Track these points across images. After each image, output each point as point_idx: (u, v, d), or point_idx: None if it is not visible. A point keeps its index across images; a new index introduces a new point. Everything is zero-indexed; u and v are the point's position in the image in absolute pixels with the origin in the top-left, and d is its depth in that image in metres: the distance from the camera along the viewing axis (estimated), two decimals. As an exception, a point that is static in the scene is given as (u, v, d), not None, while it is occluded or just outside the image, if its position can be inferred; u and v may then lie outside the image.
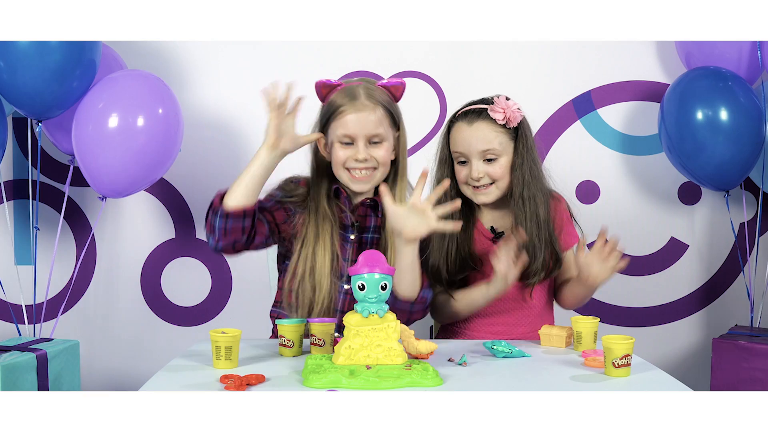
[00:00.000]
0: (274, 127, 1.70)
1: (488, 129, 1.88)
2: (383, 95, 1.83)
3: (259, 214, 1.78)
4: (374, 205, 1.87)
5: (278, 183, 1.90)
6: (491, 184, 1.90)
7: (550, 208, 1.94)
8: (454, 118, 1.94)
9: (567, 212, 2.01)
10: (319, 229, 1.82)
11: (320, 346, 1.62)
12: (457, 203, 1.78)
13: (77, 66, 2.33)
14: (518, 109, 1.90)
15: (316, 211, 1.84)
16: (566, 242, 1.97)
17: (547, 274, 1.94)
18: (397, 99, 1.86)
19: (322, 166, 1.87)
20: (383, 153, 1.81)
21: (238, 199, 1.71)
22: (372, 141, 1.80)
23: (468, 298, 1.91)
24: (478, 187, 1.90)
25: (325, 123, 1.83)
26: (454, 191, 1.95)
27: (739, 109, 2.45)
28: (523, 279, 1.92)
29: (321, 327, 1.63)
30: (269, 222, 1.82)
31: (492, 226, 1.98)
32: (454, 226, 1.73)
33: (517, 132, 1.91)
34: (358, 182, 1.82)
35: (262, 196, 1.84)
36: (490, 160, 1.89)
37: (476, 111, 1.91)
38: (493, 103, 1.90)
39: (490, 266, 1.91)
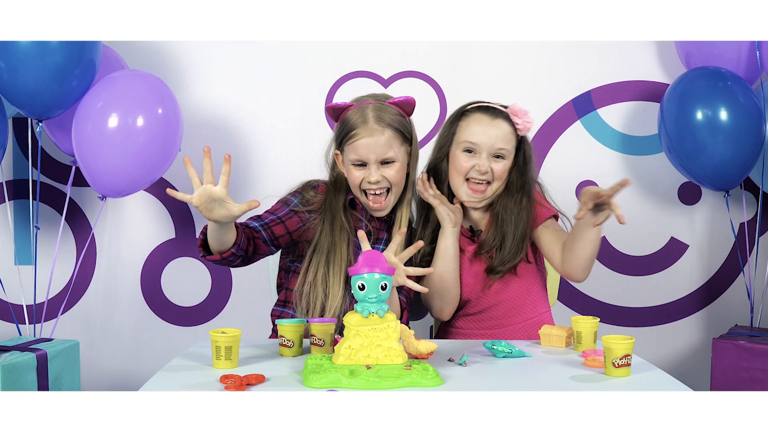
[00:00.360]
0: (198, 198, 1.54)
1: (507, 129, 1.92)
2: (393, 114, 1.85)
3: (257, 232, 1.79)
4: (389, 220, 1.91)
5: (297, 186, 1.93)
6: (488, 184, 1.91)
7: (530, 219, 1.95)
8: (470, 109, 1.96)
9: (538, 194, 2.01)
10: (335, 238, 1.84)
11: (320, 346, 1.62)
12: (420, 244, 1.70)
13: (77, 66, 2.33)
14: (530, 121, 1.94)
15: (332, 221, 1.86)
16: (539, 216, 1.96)
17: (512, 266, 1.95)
18: (408, 114, 1.89)
19: (341, 180, 1.91)
20: (394, 173, 1.85)
21: (213, 248, 1.70)
22: (383, 162, 1.83)
23: (437, 256, 1.92)
24: (477, 183, 1.91)
25: (340, 143, 1.87)
26: (445, 186, 1.96)
27: (739, 109, 2.45)
28: (488, 273, 1.94)
29: (321, 327, 1.63)
30: (271, 238, 1.83)
31: (470, 226, 2.00)
32: (422, 288, 1.68)
33: (521, 142, 1.94)
34: (375, 210, 1.88)
35: (272, 202, 1.88)
36: (497, 157, 1.91)
37: (497, 109, 1.94)
38: (507, 107, 1.94)
39: (463, 268, 1.95)
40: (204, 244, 1.71)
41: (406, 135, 1.88)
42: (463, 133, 1.93)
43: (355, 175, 1.85)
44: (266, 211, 1.87)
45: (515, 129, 1.92)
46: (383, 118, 1.83)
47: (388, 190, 1.86)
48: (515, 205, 1.93)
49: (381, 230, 1.92)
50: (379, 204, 1.86)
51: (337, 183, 1.92)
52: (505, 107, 1.95)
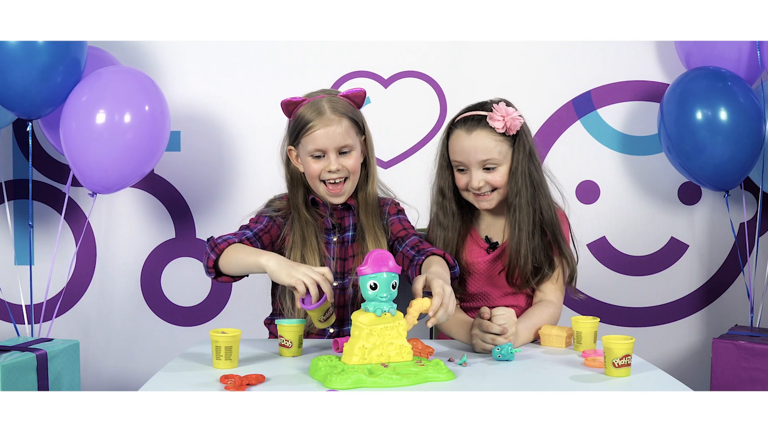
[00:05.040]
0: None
1: (488, 138, 1.85)
2: (346, 106, 1.88)
3: (253, 243, 1.83)
4: (348, 206, 1.93)
5: (264, 203, 1.97)
6: (492, 191, 1.89)
7: (553, 217, 1.90)
8: (453, 125, 1.92)
9: (567, 230, 1.97)
10: (304, 233, 1.88)
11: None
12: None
13: (61, 63, 2.35)
14: (519, 115, 1.86)
15: (299, 219, 1.89)
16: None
17: (532, 280, 1.89)
18: (359, 106, 1.92)
19: (297, 177, 1.94)
20: (353, 162, 1.87)
21: (232, 273, 1.76)
22: (341, 152, 1.86)
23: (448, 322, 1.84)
24: (479, 194, 1.90)
25: (295, 138, 1.88)
26: (455, 196, 1.94)
27: (739, 109, 2.45)
28: (509, 281, 1.90)
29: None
30: (263, 247, 1.85)
31: (486, 236, 1.97)
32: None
33: (515, 139, 1.87)
34: (333, 196, 1.88)
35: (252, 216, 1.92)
36: (489, 168, 1.86)
37: (476, 118, 1.87)
38: (492, 110, 1.86)
39: (477, 277, 1.93)
40: (214, 266, 1.76)
41: (360, 125, 1.90)
42: (451, 154, 1.90)
43: (313, 167, 1.86)
44: (251, 221, 1.91)
45: (502, 132, 1.85)
46: (338, 108, 1.86)
47: (345, 179, 1.88)
48: (526, 203, 1.86)
49: (345, 217, 1.94)
50: (338, 191, 1.88)
51: (294, 181, 1.94)
52: (494, 104, 1.86)
